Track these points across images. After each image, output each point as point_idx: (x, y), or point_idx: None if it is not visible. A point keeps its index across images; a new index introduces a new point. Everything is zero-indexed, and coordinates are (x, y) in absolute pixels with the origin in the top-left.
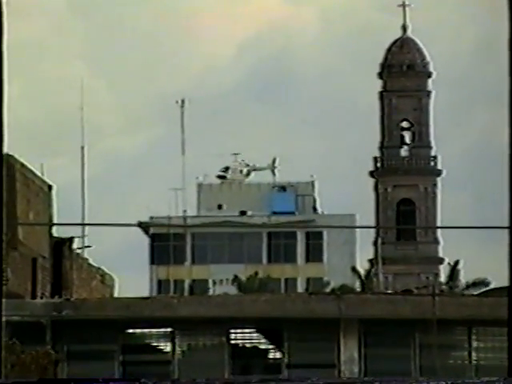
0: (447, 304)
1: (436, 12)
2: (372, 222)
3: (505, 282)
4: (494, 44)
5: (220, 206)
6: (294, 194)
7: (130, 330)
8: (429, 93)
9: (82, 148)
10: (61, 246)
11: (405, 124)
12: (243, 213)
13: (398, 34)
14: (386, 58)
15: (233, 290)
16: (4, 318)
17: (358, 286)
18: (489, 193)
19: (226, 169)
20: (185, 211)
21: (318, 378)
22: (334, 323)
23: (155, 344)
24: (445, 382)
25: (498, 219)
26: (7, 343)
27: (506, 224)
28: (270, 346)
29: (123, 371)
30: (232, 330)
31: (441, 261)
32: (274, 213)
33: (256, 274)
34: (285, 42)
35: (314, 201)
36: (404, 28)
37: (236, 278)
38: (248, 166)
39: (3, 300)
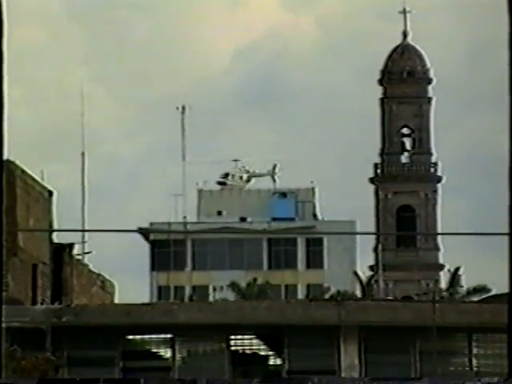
0: (447, 311)
1: (436, 18)
2: (372, 228)
3: (505, 289)
4: (494, 49)
5: (220, 212)
6: (294, 200)
7: (131, 336)
8: (429, 99)
9: (83, 154)
10: (61, 252)
11: (405, 130)
12: (243, 219)
13: (399, 40)
14: (386, 65)
15: (231, 296)
16: (4, 325)
17: (358, 292)
18: (489, 199)
19: (226, 175)
20: (185, 217)
21: (319, 378)
22: (335, 330)
23: (155, 350)
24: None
25: (498, 225)
26: (8, 349)
27: (506, 230)
28: (270, 353)
29: (123, 377)
30: (232, 337)
31: (441, 267)
32: (274, 219)
33: (255, 280)
34: (284, 48)
35: (314, 207)
36: (404, 34)
37: (234, 284)
38: (248, 172)
39: (3, 306)
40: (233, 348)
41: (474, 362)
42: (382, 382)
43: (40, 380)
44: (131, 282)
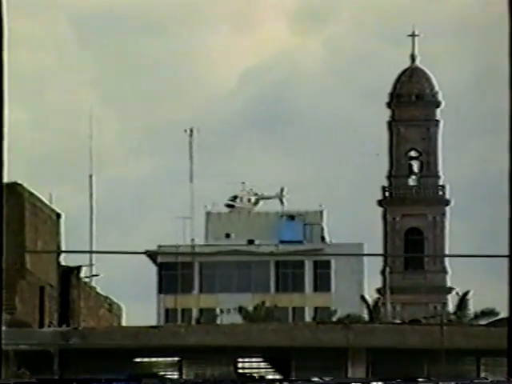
0: (456, 334)
1: (444, 42)
2: (380, 250)
3: None
4: (501, 72)
5: (228, 235)
6: (302, 222)
7: (138, 359)
8: (437, 122)
9: (91, 176)
10: (68, 275)
11: (413, 153)
12: (251, 241)
13: (407, 63)
14: (394, 88)
15: (239, 319)
16: (11, 347)
17: (365, 315)
18: (496, 222)
19: (234, 197)
20: (193, 240)
21: (322, 378)
22: (342, 352)
23: (163, 373)
24: (448, 383)
25: (506, 248)
26: (16, 372)
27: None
28: (278, 376)
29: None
30: (240, 359)
31: (449, 290)
32: (282, 242)
33: (263, 303)
34: (292, 71)
35: (322, 230)
36: (413, 58)
37: (241, 308)
38: (256, 194)
39: (4, 328)
40: (240, 371)
41: None
42: (387, 383)
43: (40, 380)
44: (138, 305)
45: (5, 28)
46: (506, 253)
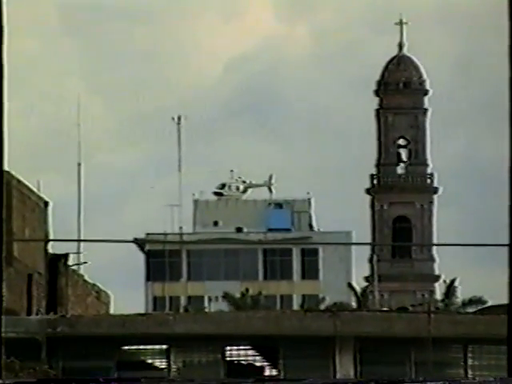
0: (443, 322)
1: (432, 30)
2: (368, 239)
3: (501, 300)
4: (489, 60)
5: (216, 223)
6: (290, 210)
7: (126, 347)
8: (425, 110)
9: (79, 164)
10: (56, 263)
11: (401, 141)
12: (239, 229)
13: (395, 51)
14: (382, 76)
15: (226, 306)
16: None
17: (353, 303)
18: (485, 210)
19: (223, 185)
20: (181, 228)
21: (313, 378)
22: (330, 340)
23: (150, 361)
24: (441, 383)
25: (494, 237)
26: (6, 361)
27: (504, 241)
28: (266, 363)
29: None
30: (227, 347)
31: (436, 278)
32: (270, 229)
33: (247, 290)
34: (279, 59)
35: (310, 218)
36: (400, 46)
37: (227, 294)
38: (244, 182)
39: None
40: (228, 359)
41: (470, 373)
42: None
43: (39, 380)
44: (126, 293)
45: (4, 25)
46: (497, 239)
